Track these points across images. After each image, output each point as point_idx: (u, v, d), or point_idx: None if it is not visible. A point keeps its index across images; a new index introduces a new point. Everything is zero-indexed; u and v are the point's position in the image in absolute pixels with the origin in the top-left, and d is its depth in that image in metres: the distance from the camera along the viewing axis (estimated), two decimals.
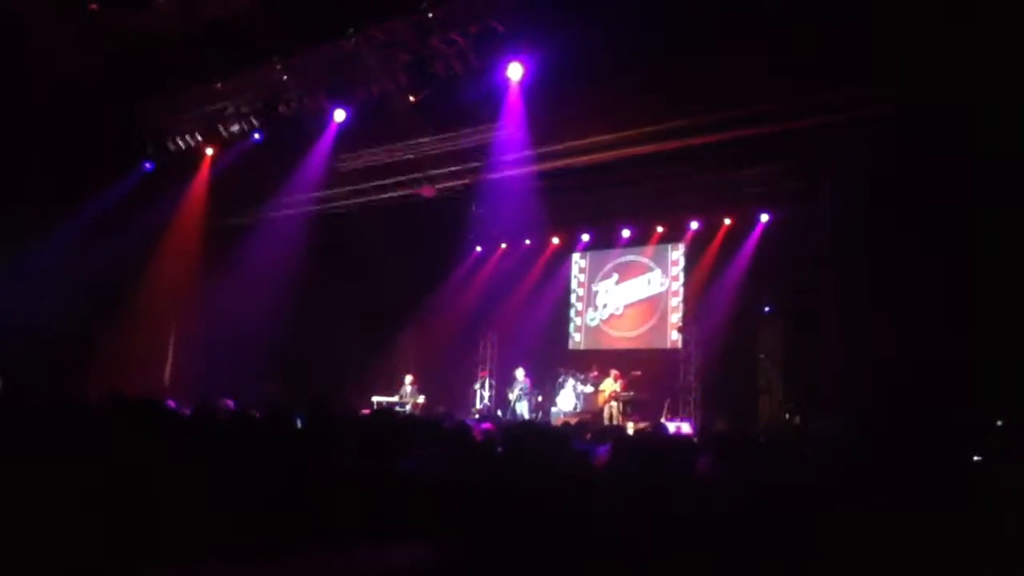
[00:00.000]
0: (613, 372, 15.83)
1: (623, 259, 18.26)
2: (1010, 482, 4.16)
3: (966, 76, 9.72)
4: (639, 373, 16.03)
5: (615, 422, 14.71)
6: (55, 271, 14.72)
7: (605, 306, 18.31)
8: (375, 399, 16.54)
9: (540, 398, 17.04)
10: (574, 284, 18.91)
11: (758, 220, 15.74)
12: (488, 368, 19.12)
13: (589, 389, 16.39)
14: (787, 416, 14.22)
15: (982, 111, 9.79)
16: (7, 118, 13.65)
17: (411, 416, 12.32)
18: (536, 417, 15.90)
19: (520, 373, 16.86)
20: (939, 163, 10.61)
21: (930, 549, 2.79)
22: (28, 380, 12.79)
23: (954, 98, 10.09)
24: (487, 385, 18.80)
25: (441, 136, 15.19)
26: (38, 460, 3.23)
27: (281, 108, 14.28)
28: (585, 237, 18.55)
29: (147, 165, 16.36)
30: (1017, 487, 3.83)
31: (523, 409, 16.54)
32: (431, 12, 11.85)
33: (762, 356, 15.10)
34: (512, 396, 16.80)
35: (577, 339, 18.72)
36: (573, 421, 11.99)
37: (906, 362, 10.83)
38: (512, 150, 14.42)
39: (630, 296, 17.97)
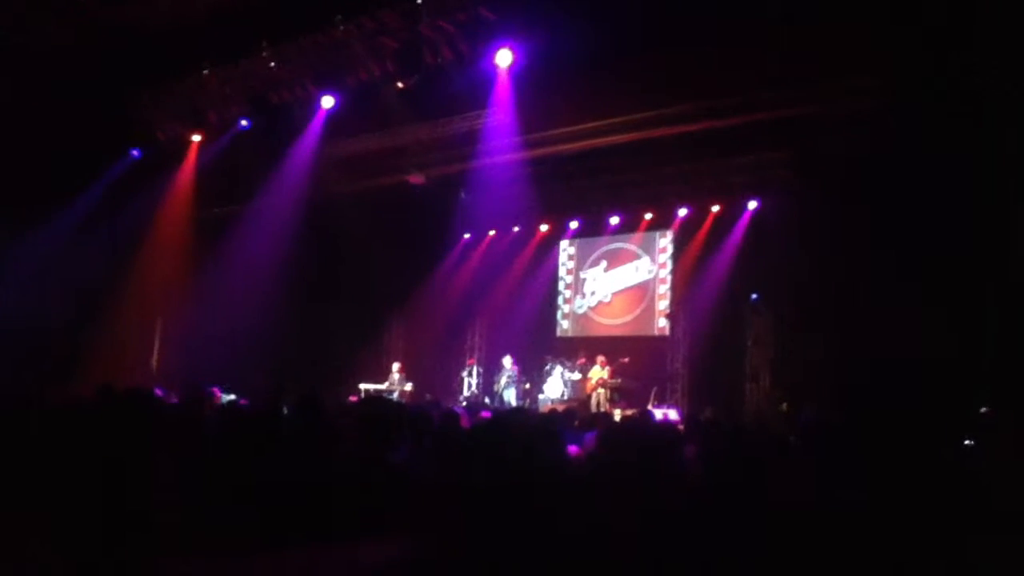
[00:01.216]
0: (600, 359, 15.85)
1: (611, 246, 18.28)
2: (996, 467, 4.21)
3: (959, 69, 9.76)
4: (627, 360, 16.06)
5: (602, 409, 14.75)
6: (42, 265, 14.68)
7: (593, 293, 18.34)
8: (363, 386, 16.55)
9: (528, 385, 17.08)
10: (562, 271, 18.93)
11: (746, 207, 15.77)
12: (475, 355, 19.15)
13: (576, 376, 16.43)
14: (775, 405, 14.29)
15: (975, 103, 9.84)
16: None
17: (401, 404, 12.34)
18: (525, 404, 15.92)
19: (508, 361, 16.88)
20: (931, 156, 10.67)
21: (917, 536, 2.82)
22: (16, 374, 12.80)
23: (946, 90, 10.14)
24: (475, 372, 18.82)
25: (430, 123, 15.17)
26: (29, 456, 3.24)
27: (269, 96, 14.24)
28: (573, 224, 18.55)
29: (134, 152, 16.30)
30: (1002, 472, 3.88)
31: (510, 396, 16.56)
32: None
33: (750, 344, 15.15)
34: (500, 384, 16.83)
35: (565, 326, 18.75)
36: (560, 408, 12.04)
37: (894, 351, 10.92)
38: (501, 137, 14.41)
39: (618, 283, 18.00)
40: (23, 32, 13.19)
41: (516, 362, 16.90)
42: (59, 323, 15.07)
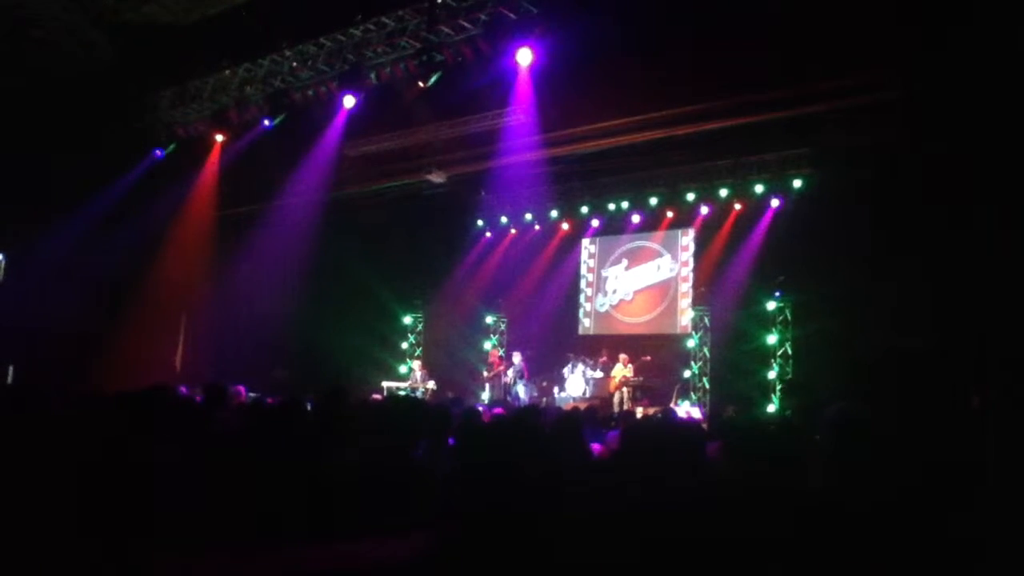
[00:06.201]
0: (622, 357, 15.80)
1: (632, 245, 18.22)
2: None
3: (973, 63, 9.68)
4: (648, 358, 16.03)
5: (625, 407, 14.71)
6: (67, 263, 14.80)
7: (615, 291, 18.28)
8: (385, 384, 16.60)
9: (545, 383, 17.07)
10: (583, 270, 18.89)
11: (768, 205, 15.67)
12: (498, 353, 19.15)
13: (598, 374, 16.39)
14: (798, 402, 14.21)
15: (990, 96, 9.75)
16: (16, 111, 13.68)
17: (421, 401, 12.35)
18: (541, 402, 15.88)
19: (517, 357, 16.83)
20: (950, 147, 10.58)
21: (940, 533, 2.80)
22: (40, 370, 12.93)
23: (961, 84, 10.05)
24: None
25: (450, 122, 15.20)
26: (48, 450, 3.26)
27: (291, 95, 14.31)
28: (595, 223, 18.51)
29: (157, 152, 16.42)
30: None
31: (520, 392, 16.52)
32: None
33: (772, 341, 15.09)
34: (509, 380, 16.76)
35: (587, 324, 18.71)
36: (582, 406, 12.03)
37: (916, 348, 10.84)
38: (521, 136, 14.40)
39: (640, 282, 17.94)
40: (45, 32, 13.30)
41: (525, 359, 16.83)
42: (83, 322, 15.18)
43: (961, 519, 2.91)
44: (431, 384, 16.67)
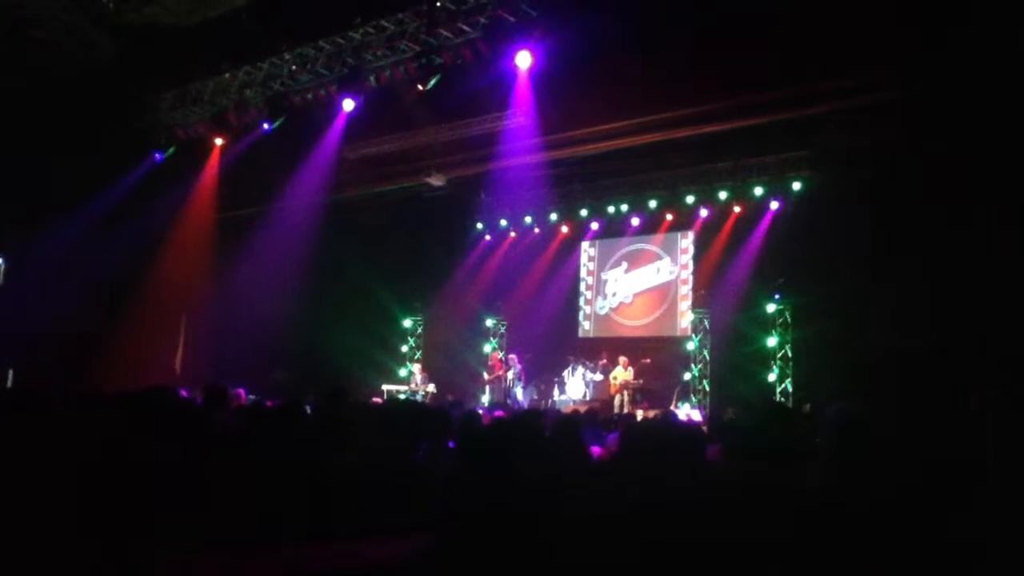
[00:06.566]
0: (623, 359, 15.79)
1: (632, 247, 18.21)
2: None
3: (973, 63, 9.69)
4: (648, 361, 16.03)
5: (625, 410, 14.70)
6: (66, 265, 14.80)
7: (615, 294, 18.27)
8: (385, 388, 16.59)
9: (544, 386, 17.05)
10: (583, 272, 18.87)
11: (768, 207, 15.66)
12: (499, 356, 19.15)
13: (599, 377, 16.37)
14: (797, 404, 14.20)
15: (990, 96, 9.76)
16: (15, 112, 13.68)
17: (421, 404, 12.36)
18: (541, 404, 15.87)
19: (514, 360, 16.84)
20: (949, 149, 10.59)
21: (940, 533, 2.80)
22: (40, 373, 12.93)
23: (961, 84, 10.06)
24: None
25: (449, 125, 15.21)
26: (48, 451, 3.25)
27: (290, 98, 14.31)
28: (594, 226, 18.49)
29: (157, 156, 16.43)
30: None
31: (519, 394, 16.51)
32: (439, 1, 11.88)
33: (773, 343, 15.09)
34: (508, 381, 16.75)
35: (587, 327, 18.69)
36: (582, 409, 12.02)
37: (916, 349, 10.84)
38: (520, 138, 14.42)
39: (639, 284, 17.92)
40: (45, 32, 13.30)
41: (520, 359, 16.84)
42: (83, 322, 15.17)
43: (961, 519, 2.91)
44: (431, 387, 16.67)
